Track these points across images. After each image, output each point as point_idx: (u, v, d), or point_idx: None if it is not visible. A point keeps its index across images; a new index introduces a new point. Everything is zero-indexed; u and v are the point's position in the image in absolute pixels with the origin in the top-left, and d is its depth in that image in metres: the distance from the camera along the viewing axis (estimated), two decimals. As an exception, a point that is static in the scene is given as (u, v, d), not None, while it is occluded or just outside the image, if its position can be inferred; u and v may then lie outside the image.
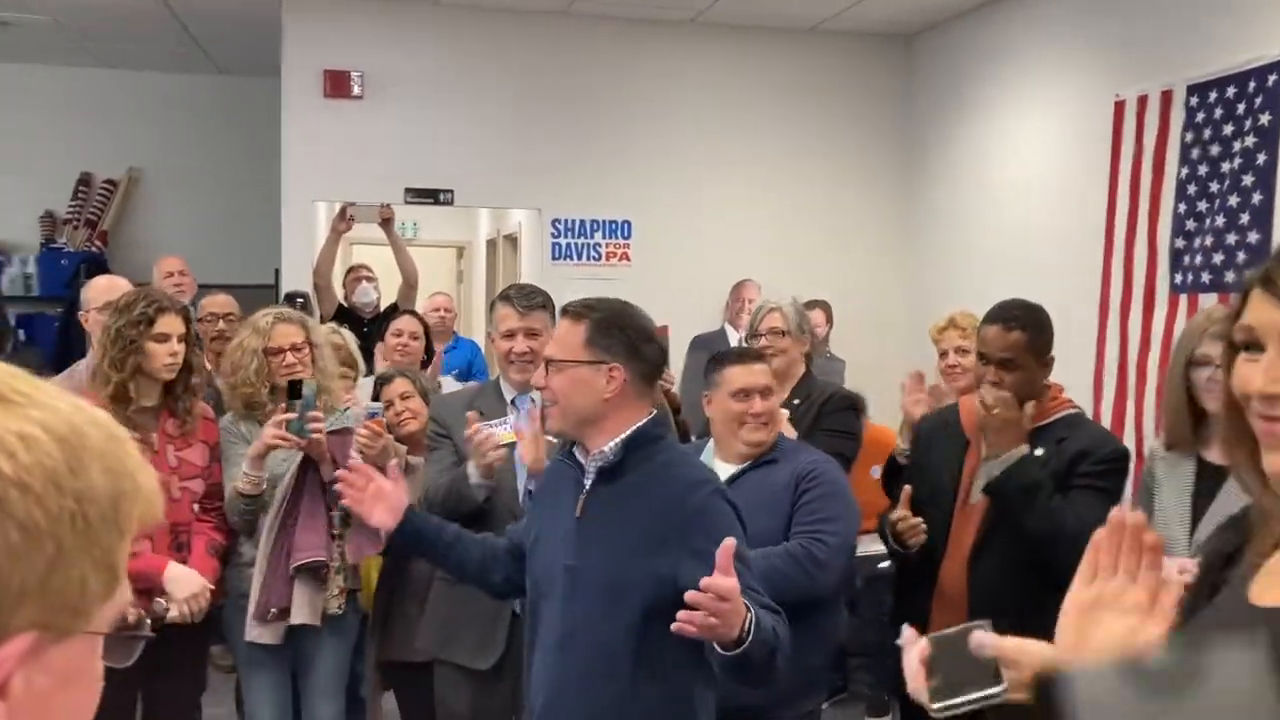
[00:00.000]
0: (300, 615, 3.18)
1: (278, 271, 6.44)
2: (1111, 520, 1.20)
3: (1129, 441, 4.62)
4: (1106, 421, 4.83)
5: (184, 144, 7.95)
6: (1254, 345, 1.07)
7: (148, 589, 2.99)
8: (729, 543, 1.88)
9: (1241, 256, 4.38)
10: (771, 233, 6.74)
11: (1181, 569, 2.52)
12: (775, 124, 6.82)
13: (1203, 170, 4.60)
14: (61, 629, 0.66)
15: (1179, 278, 4.68)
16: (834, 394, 3.65)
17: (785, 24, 6.64)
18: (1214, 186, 4.54)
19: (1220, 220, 4.49)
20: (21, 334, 6.81)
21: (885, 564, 3.74)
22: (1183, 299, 4.64)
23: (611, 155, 6.59)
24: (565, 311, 2.31)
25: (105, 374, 3.10)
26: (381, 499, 2.43)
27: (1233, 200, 4.44)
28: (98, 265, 7.55)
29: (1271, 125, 4.35)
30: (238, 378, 3.34)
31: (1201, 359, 2.77)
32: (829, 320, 6.00)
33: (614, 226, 6.65)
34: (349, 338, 4.14)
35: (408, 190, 6.36)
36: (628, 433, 2.19)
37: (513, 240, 8.22)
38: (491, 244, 9.22)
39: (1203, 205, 4.59)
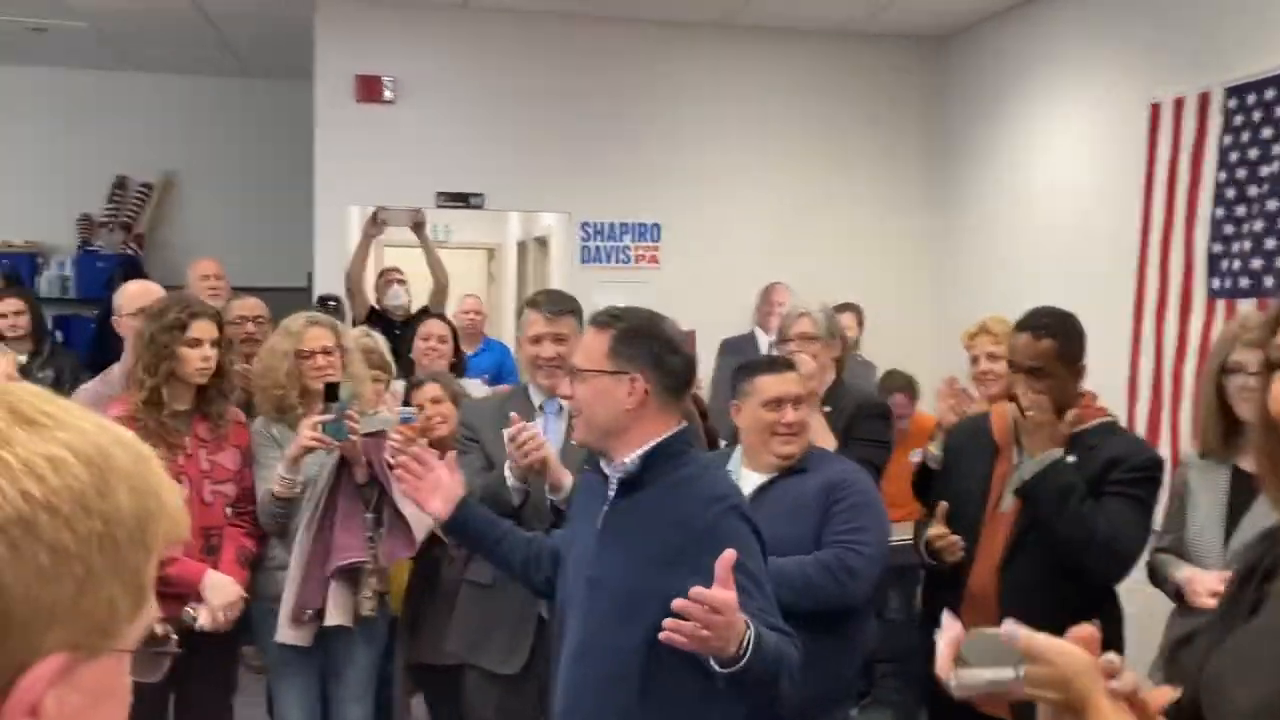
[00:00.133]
0: (335, 617, 3.20)
1: (310, 275, 6.48)
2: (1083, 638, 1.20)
3: (1164, 449, 4.57)
4: (1141, 428, 4.77)
5: (218, 147, 8.02)
6: None
7: (183, 594, 3.03)
8: (728, 555, 1.85)
9: (1280, 261, 4.33)
10: (802, 236, 6.71)
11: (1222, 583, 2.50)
12: (806, 126, 6.80)
13: (1241, 174, 4.53)
14: (92, 649, 0.66)
15: (1216, 283, 4.62)
16: (864, 402, 3.64)
17: (817, 26, 6.62)
18: (1252, 190, 4.48)
19: (1259, 225, 4.43)
20: (59, 335, 6.89)
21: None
22: (1220, 304, 4.58)
23: (641, 158, 6.59)
24: (592, 320, 2.31)
25: (139, 378, 3.13)
26: (439, 488, 2.48)
27: (1271, 205, 4.38)
28: (133, 268, 7.63)
29: (1312, 128, 4.29)
30: (269, 380, 3.37)
31: (1235, 366, 2.74)
32: (860, 324, 5.96)
33: (643, 229, 6.65)
34: (381, 341, 4.17)
35: (439, 194, 6.39)
36: (648, 445, 2.17)
37: (543, 243, 8.24)
38: (522, 246, 9.25)
39: (1241, 210, 4.52)
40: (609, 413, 2.17)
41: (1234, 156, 4.57)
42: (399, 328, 5.45)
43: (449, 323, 5.06)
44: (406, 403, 3.65)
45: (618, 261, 6.63)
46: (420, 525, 3.26)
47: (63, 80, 7.85)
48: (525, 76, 6.46)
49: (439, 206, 6.47)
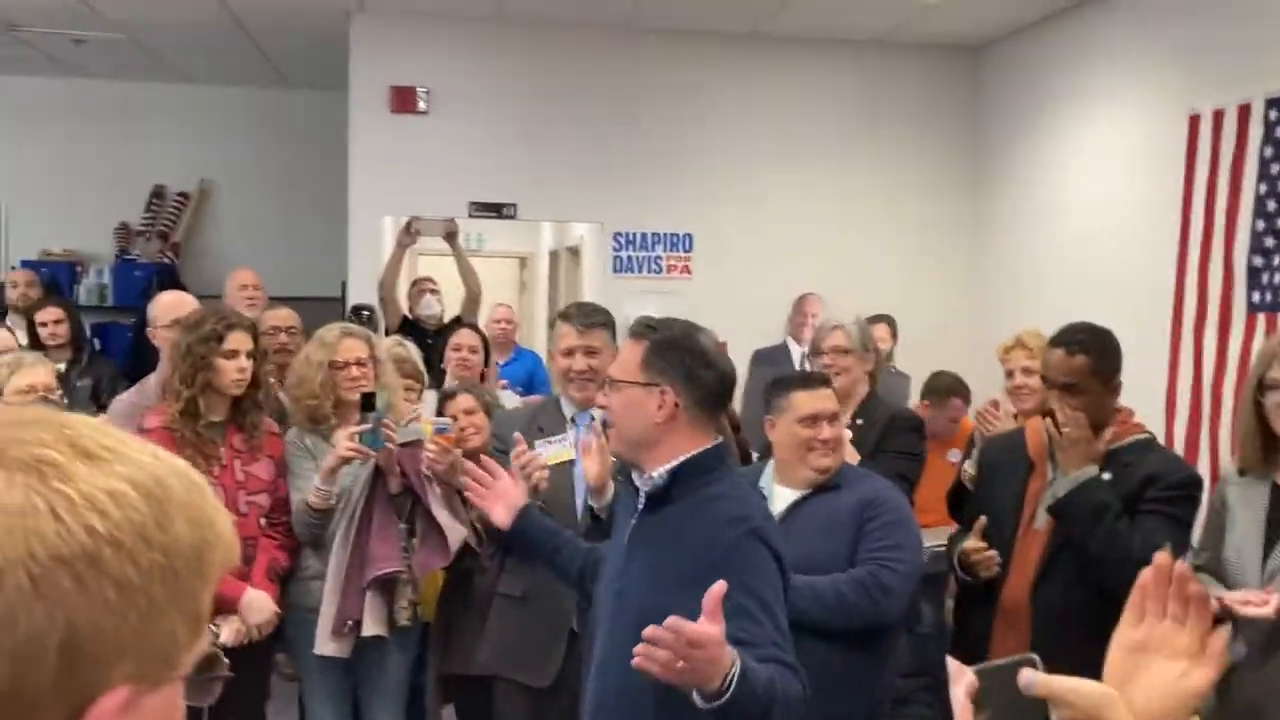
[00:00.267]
0: (372, 627, 3.22)
1: (344, 284, 6.53)
2: (1157, 565, 1.18)
3: (1203, 466, 4.51)
4: (1180, 445, 4.72)
5: (254, 157, 8.10)
6: None
7: (219, 611, 3.05)
8: (717, 588, 1.78)
9: (1322, 275, 4.27)
10: (834, 246, 6.69)
11: (1263, 600, 2.47)
12: (839, 137, 6.78)
13: (1282, 186, 4.49)
14: (154, 679, 0.67)
15: (1256, 296, 4.56)
16: (897, 414, 3.62)
17: (849, 36, 6.60)
18: (1293, 203, 4.43)
19: (1300, 238, 4.38)
20: (96, 343, 6.97)
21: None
22: (1260, 318, 4.52)
23: (673, 168, 6.59)
24: (630, 329, 2.30)
25: (176, 389, 3.16)
26: (503, 497, 2.53)
27: (1313, 217, 4.33)
28: (170, 276, 7.71)
29: (1354, 140, 4.23)
30: (303, 391, 3.39)
31: (1272, 383, 2.70)
32: (894, 335, 5.93)
33: (675, 239, 6.65)
34: (414, 350, 4.18)
35: (472, 204, 6.43)
36: (677, 461, 2.12)
37: (575, 252, 8.25)
38: (554, 255, 9.27)
39: (1281, 222, 4.48)
40: (640, 425, 2.15)
41: (1275, 168, 4.52)
42: (431, 337, 5.47)
43: (480, 333, 5.07)
44: (440, 413, 3.66)
45: (650, 271, 6.63)
46: (454, 535, 3.27)
47: (101, 91, 7.96)
48: (558, 87, 6.49)
49: (472, 216, 6.50)
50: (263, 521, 3.28)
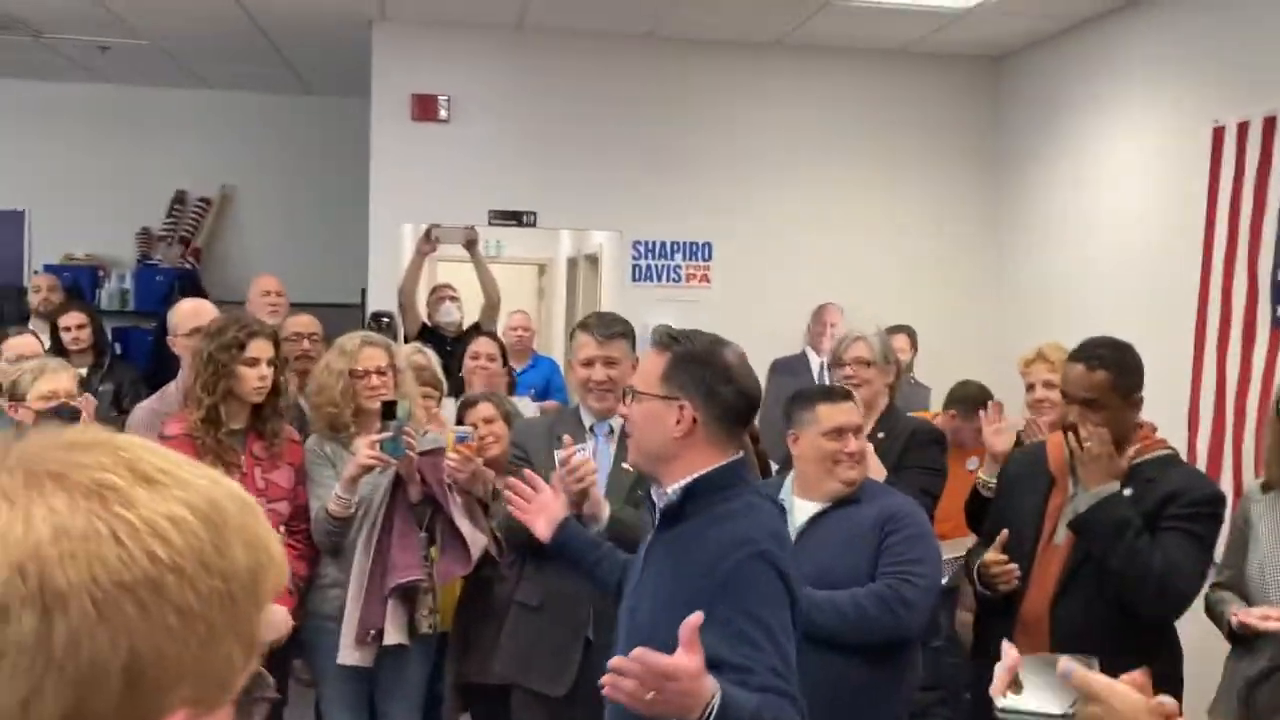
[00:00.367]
0: (394, 636, 3.23)
1: (364, 291, 6.55)
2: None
3: (1226, 481, 4.48)
4: (1202, 460, 4.68)
5: (275, 163, 8.15)
6: None
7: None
8: (693, 619, 1.73)
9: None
10: (854, 256, 6.67)
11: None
12: (860, 146, 6.76)
13: (1307, 199, 4.45)
14: (209, 703, 0.68)
15: (1280, 310, 4.52)
16: (918, 428, 3.61)
17: (872, 45, 6.59)
18: (1319, 216, 4.39)
19: (1325, 252, 4.34)
20: (118, 348, 7.01)
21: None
22: (1285, 332, 4.49)
23: (693, 177, 6.59)
24: (654, 339, 2.27)
25: (197, 396, 3.18)
26: (544, 511, 2.54)
27: (1338, 231, 4.29)
28: (191, 281, 7.76)
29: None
30: (323, 398, 3.40)
31: (1294, 398, 2.69)
32: (914, 346, 5.91)
33: (695, 248, 6.64)
34: (433, 358, 4.19)
35: (491, 212, 6.44)
36: (691, 478, 2.08)
37: (593, 260, 8.26)
38: (573, 263, 9.28)
39: (1306, 236, 4.44)
40: (657, 438, 2.12)
41: (1300, 181, 4.49)
42: (450, 344, 5.48)
43: (498, 340, 5.08)
44: (459, 421, 3.66)
45: (669, 280, 6.63)
46: (475, 544, 3.28)
47: (125, 97, 8.02)
48: (578, 96, 6.50)
49: (492, 224, 6.51)
50: (282, 529, 3.29)
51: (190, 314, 3.90)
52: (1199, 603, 2.90)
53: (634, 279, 6.61)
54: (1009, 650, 1.27)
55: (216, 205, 8.28)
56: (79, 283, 7.57)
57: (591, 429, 3.10)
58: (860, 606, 2.69)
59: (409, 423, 3.25)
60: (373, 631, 3.21)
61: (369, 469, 3.20)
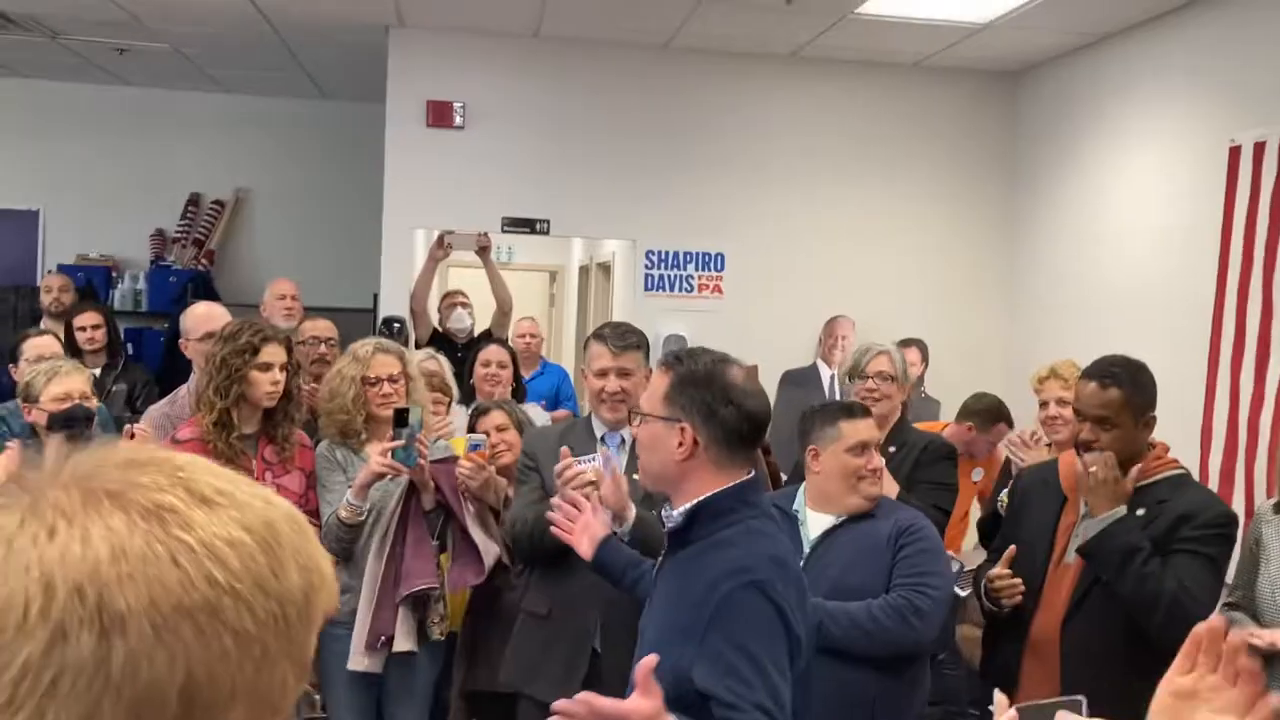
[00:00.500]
0: (403, 643, 3.23)
1: (376, 296, 6.56)
2: (1211, 627, 1.17)
3: (1238, 501, 4.46)
4: (1214, 480, 4.66)
5: (289, 167, 8.18)
6: None
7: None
8: (646, 662, 1.67)
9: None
10: (867, 269, 6.67)
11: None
12: (874, 159, 6.76)
13: (1324, 220, 4.44)
14: None
15: (1296, 331, 4.51)
16: (930, 443, 3.61)
17: (888, 59, 6.59)
18: (1334, 236, 4.37)
19: (1340, 272, 4.32)
20: (130, 348, 7.03)
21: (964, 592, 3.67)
22: (1299, 353, 4.47)
23: (707, 187, 6.59)
24: (660, 360, 2.27)
25: (210, 400, 3.19)
26: (586, 530, 2.57)
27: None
28: (204, 283, 7.79)
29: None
30: (334, 405, 3.40)
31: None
32: (924, 359, 5.90)
33: (708, 259, 6.65)
34: (445, 364, 4.19)
35: (505, 219, 6.45)
36: (693, 502, 2.06)
37: (605, 267, 8.26)
38: (585, 270, 9.29)
39: (1323, 256, 4.42)
40: (661, 460, 2.10)
41: (1316, 201, 4.47)
42: (461, 350, 5.48)
43: (509, 348, 5.08)
44: (471, 429, 3.67)
45: (681, 290, 6.63)
46: (488, 553, 3.28)
47: (141, 99, 8.06)
48: (593, 105, 6.51)
49: (505, 231, 6.52)
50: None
51: (203, 318, 3.91)
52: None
53: (647, 288, 6.62)
54: (1001, 703, 1.26)
55: (230, 208, 8.31)
56: (92, 283, 7.60)
57: (603, 439, 3.10)
58: (876, 618, 2.72)
59: (421, 431, 3.26)
60: (383, 638, 3.22)
61: (380, 476, 3.20)
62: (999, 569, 2.96)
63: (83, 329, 5.20)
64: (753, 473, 2.13)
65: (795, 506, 2.99)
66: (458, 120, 6.35)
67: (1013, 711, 1.23)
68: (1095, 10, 5.52)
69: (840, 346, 6.06)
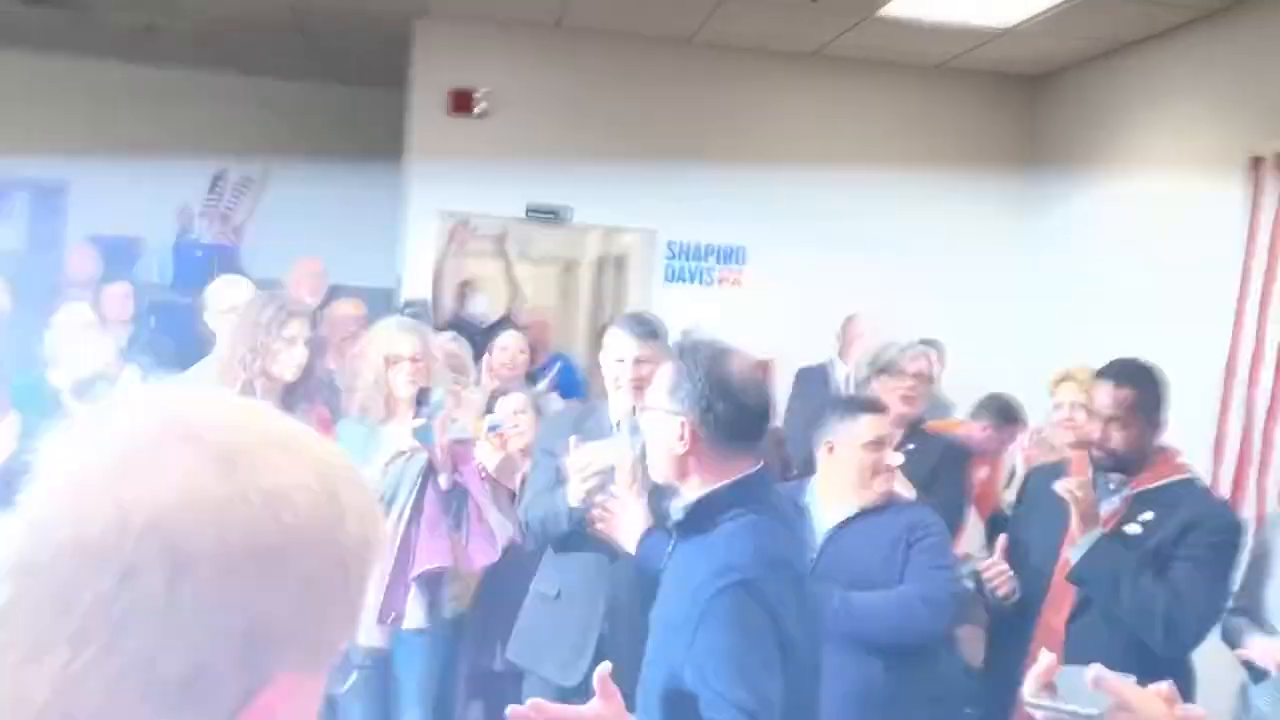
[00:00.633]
0: (414, 620, 3.26)
1: (398, 278, 6.61)
2: None
3: (1249, 513, 4.47)
4: (1226, 488, 4.67)
5: (313, 150, 8.21)
6: None
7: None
8: (601, 669, 1.64)
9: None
10: (885, 268, 6.67)
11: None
12: (895, 159, 6.76)
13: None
14: (314, 669, 0.69)
15: (1316, 344, 4.51)
16: (949, 446, 3.66)
17: (910, 60, 6.60)
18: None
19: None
20: (153, 321, 7.09)
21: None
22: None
23: (729, 181, 6.61)
24: (665, 351, 2.31)
25: (233, 371, 3.23)
26: (628, 524, 2.63)
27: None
28: (229, 259, 7.84)
29: None
30: (355, 383, 3.44)
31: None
32: (940, 361, 5.91)
33: (729, 252, 6.67)
34: (466, 348, 4.23)
35: (526, 207, 6.48)
36: (695, 496, 2.06)
37: (621, 260, 8.28)
38: (601, 262, 9.30)
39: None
40: (664, 452, 2.10)
41: (1337, 214, 4.47)
42: (478, 336, 5.53)
43: (525, 335, 5.13)
44: (489, 411, 3.71)
45: (701, 282, 6.65)
46: (503, 533, 3.32)
47: (169, 77, 8.11)
48: (616, 96, 6.53)
49: (525, 219, 6.56)
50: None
51: (229, 291, 3.95)
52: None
53: (666, 279, 6.64)
54: (1046, 655, 1.30)
55: (256, 186, 8.37)
56: (118, 256, 7.65)
57: (617, 425, 3.14)
58: (897, 608, 2.80)
59: (442, 411, 3.30)
60: (394, 614, 3.25)
61: (400, 454, 3.24)
62: (992, 558, 2.99)
63: (113, 299, 5.27)
64: (759, 464, 2.12)
65: (806, 499, 3.02)
66: (480, 108, 6.38)
67: (1052, 659, 1.27)
68: (1119, 18, 5.51)
69: (857, 345, 6.07)
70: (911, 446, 3.49)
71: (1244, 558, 2.94)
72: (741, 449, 2.08)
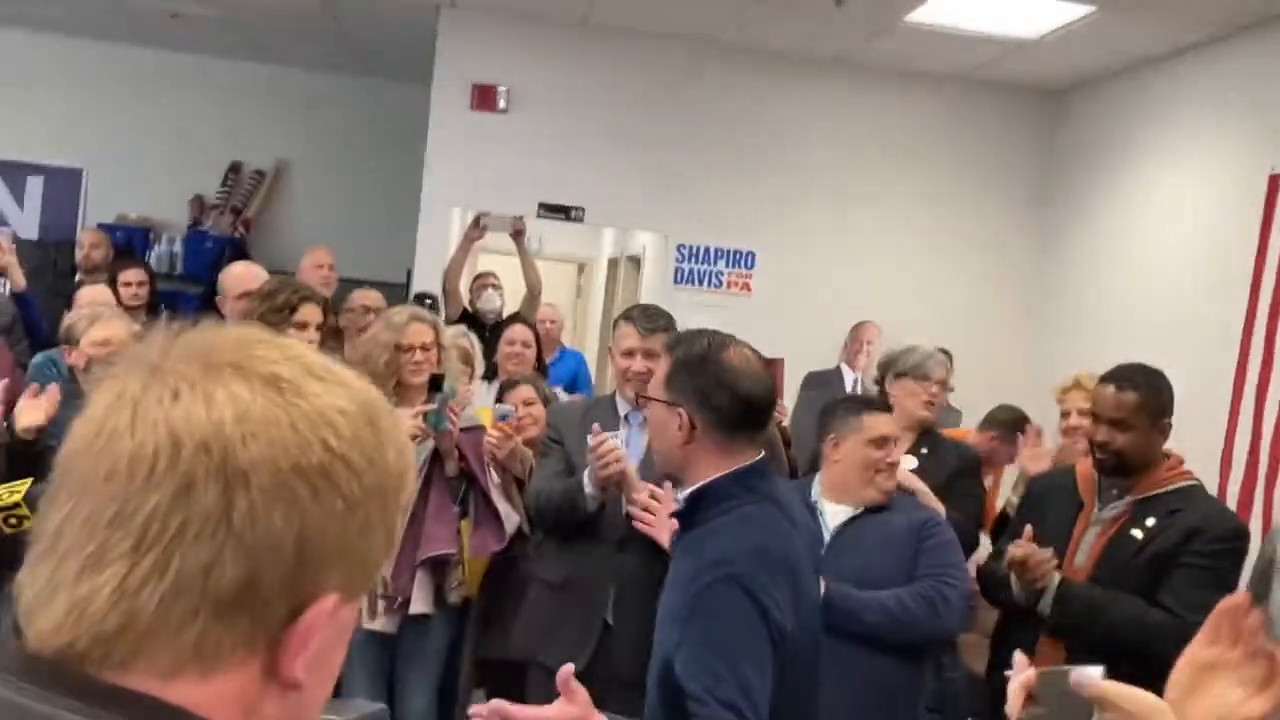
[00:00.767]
0: (420, 605, 3.27)
1: (409, 272, 6.63)
2: (1234, 604, 1.20)
3: (1256, 522, 4.46)
4: (1233, 499, 4.66)
5: (331, 141, 8.25)
6: None
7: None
8: (564, 670, 1.65)
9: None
10: (895, 277, 6.69)
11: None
12: (911, 168, 6.78)
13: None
14: (355, 589, 0.72)
15: (1324, 359, 4.51)
16: (964, 454, 3.70)
17: (932, 70, 6.60)
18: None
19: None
20: (163, 309, 7.12)
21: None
22: (1326, 381, 4.47)
23: (742, 185, 6.63)
24: (664, 343, 2.28)
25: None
26: (668, 522, 2.58)
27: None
28: (240, 250, 7.87)
29: None
30: (366, 369, 3.45)
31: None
32: (950, 369, 5.91)
33: (739, 256, 6.68)
34: (474, 342, 4.25)
35: (541, 204, 6.50)
36: (695, 486, 2.05)
37: (635, 261, 8.31)
38: (614, 263, 9.33)
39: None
40: (665, 444, 2.10)
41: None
42: (489, 330, 5.55)
43: (534, 328, 5.16)
44: (499, 401, 3.73)
45: (710, 285, 6.66)
46: (510, 521, 3.33)
47: (188, 64, 8.14)
48: (637, 96, 6.55)
49: (540, 216, 6.58)
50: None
51: (241, 276, 3.97)
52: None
53: (676, 282, 6.66)
54: (1021, 663, 1.29)
55: (270, 178, 8.40)
56: (131, 242, 7.69)
57: (626, 417, 3.15)
58: (907, 606, 2.80)
59: (453, 399, 3.31)
60: (399, 599, 3.27)
61: (411, 439, 3.25)
62: (1025, 546, 2.84)
63: (128, 284, 5.30)
64: (761, 455, 2.10)
65: (812, 497, 3.03)
66: (501, 104, 6.41)
67: (1031, 671, 1.25)
68: (1144, 33, 5.52)
69: (865, 351, 6.09)
70: (925, 451, 3.51)
71: (1248, 566, 2.94)
72: (743, 438, 2.06)
